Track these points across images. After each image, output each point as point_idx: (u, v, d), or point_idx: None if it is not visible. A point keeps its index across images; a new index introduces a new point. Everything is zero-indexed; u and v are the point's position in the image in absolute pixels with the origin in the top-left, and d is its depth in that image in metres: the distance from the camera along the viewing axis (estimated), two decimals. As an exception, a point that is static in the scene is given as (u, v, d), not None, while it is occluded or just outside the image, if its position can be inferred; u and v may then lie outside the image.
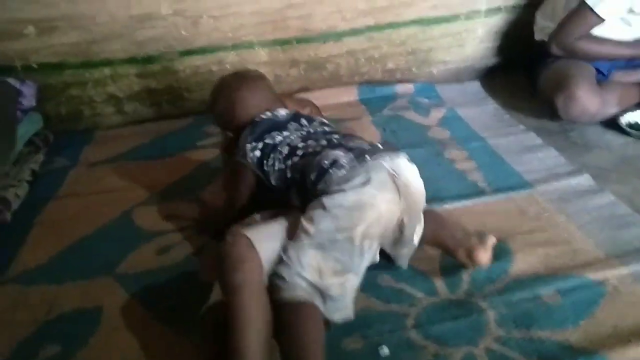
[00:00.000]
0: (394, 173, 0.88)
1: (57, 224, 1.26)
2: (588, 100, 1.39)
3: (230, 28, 1.67)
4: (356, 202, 0.85)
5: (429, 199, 1.19)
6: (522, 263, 1.00)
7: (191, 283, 1.03)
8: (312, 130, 1.06)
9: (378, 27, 1.78)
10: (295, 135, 1.03)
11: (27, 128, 1.53)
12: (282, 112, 1.12)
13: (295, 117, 1.11)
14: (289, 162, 0.98)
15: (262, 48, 1.73)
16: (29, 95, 1.55)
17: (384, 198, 0.87)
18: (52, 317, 0.97)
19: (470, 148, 1.43)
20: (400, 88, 1.82)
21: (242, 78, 1.16)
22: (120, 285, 1.04)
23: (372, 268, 0.95)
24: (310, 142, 1.00)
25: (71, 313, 0.98)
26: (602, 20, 1.43)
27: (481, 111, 1.65)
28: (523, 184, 1.25)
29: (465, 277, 0.98)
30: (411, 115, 1.65)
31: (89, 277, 1.07)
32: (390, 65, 1.87)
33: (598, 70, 1.55)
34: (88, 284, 1.05)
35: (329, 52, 1.79)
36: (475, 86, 1.83)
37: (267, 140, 1.03)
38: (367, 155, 0.90)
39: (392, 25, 1.79)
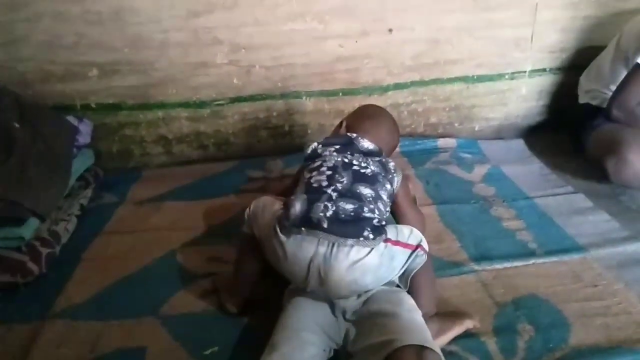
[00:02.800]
0: (312, 259, 0.88)
1: (103, 260, 1.27)
2: (640, 165, 1.37)
3: (280, 78, 1.73)
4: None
5: (478, 257, 1.19)
6: (581, 333, 0.96)
7: (235, 328, 1.02)
8: (352, 163, 1.03)
9: (423, 83, 1.81)
10: (336, 159, 1.04)
11: (80, 164, 1.58)
12: (365, 144, 1.11)
13: (367, 153, 1.09)
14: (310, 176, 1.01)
15: (309, 98, 1.78)
16: (85, 132, 1.61)
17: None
18: (96, 355, 0.97)
19: (518, 207, 1.41)
20: (443, 142, 1.83)
21: (387, 118, 1.28)
22: (164, 327, 1.03)
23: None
24: (336, 174, 0.99)
25: (115, 353, 0.98)
26: None
27: (526, 170, 1.63)
28: (576, 248, 1.21)
29: (521, 342, 0.94)
30: (454, 169, 1.65)
31: (133, 317, 1.07)
32: (433, 119, 1.89)
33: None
34: (132, 323, 1.05)
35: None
36: (519, 144, 1.82)
37: (318, 150, 1.08)
38: (322, 223, 0.88)
39: (436, 81, 1.82)
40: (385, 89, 1.81)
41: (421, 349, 0.78)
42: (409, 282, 0.95)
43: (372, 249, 0.87)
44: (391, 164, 1.07)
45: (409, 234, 0.95)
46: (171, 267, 1.23)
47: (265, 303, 1.05)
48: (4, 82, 1.53)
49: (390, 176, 1.04)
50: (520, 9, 1.73)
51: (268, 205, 1.00)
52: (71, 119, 1.59)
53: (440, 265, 1.17)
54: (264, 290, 1.07)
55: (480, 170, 1.64)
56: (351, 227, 0.88)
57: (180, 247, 1.30)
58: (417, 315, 0.89)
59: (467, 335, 0.96)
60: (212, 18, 1.60)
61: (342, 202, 0.91)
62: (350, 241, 0.86)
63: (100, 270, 1.23)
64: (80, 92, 1.66)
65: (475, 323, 0.97)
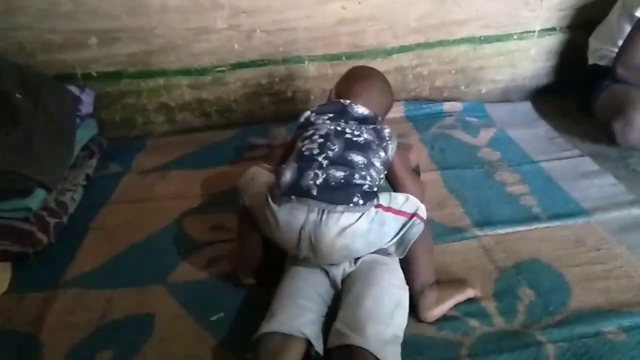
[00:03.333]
0: (303, 226, 0.88)
1: (110, 229, 1.29)
2: (648, 127, 1.34)
3: (281, 42, 1.69)
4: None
5: (481, 222, 1.19)
6: (582, 296, 0.96)
7: (240, 294, 1.04)
8: (345, 131, 1.02)
9: (428, 45, 1.77)
10: (329, 128, 1.02)
11: (84, 134, 1.58)
12: (359, 110, 1.09)
13: (361, 119, 1.07)
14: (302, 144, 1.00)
15: (312, 62, 1.75)
16: (87, 102, 1.60)
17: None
18: (106, 322, 1.00)
19: (523, 171, 1.40)
20: (448, 106, 1.80)
21: (378, 77, 1.24)
22: (172, 294, 1.06)
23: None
24: (328, 142, 0.98)
25: (124, 319, 1.00)
26: None
27: (533, 133, 1.61)
28: (580, 212, 1.21)
29: (521, 306, 0.95)
30: (459, 134, 1.63)
31: (141, 284, 1.09)
32: (439, 83, 1.86)
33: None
34: (140, 291, 1.07)
35: (378, 68, 1.77)
36: (526, 107, 1.79)
37: (312, 118, 1.07)
38: (312, 191, 0.88)
39: (442, 43, 1.78)
40: (389, 52, 1.77)
41: (366, 354, 0.78)
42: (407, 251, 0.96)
43: (362, 214, 0.87)
44: (386, 131, 1.05)
45: (404, 201, 0.94)
46: (176, 235, 1.25)
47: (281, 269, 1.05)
48: (3, 52, 1.52)
49: (385, 144, 1.03)
50: (529, -35, 1.67)
51: (258, 175, 1.01)
52: (73, 88, 1.58)
53: (442, 231, 1.18)
54: (276, 257, 1.06)
55: (486, 134, 1.62)
56: (341, 193, 0.88)
57: (185, 216, 1.32)
58: (388, 298, 0.88)
59: (467, 300, 0.97)
60: (211, -19, 1.56)
61: (332, 170, 0.91)
62: (340, 207, 0.87)
63: (108, 239, 1.25)
64: (81, 61, 1.64)
65: (476, 292, 0.98)
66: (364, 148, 0.98)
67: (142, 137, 1.77)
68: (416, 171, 1.31)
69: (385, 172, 1.03)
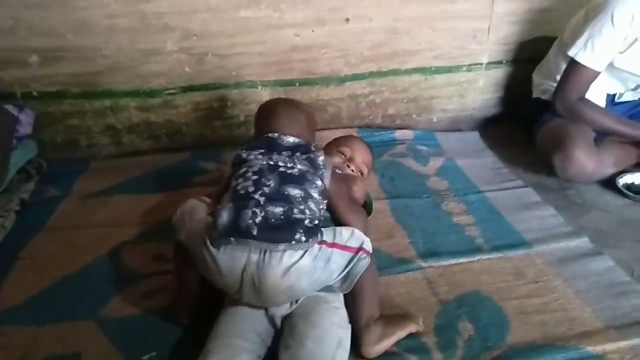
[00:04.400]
0: (245, 268, 0.86)
1: (42, 259, 1.22)
2: (585, 160, 1.39)
3: (234, 67, 1.68)
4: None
5: (426, 253, 1.20)
6: (520, 330, 0.97)
7: (174, 333, 0.99)
8: (278, 165, 1.00)
9: (380, 74, 1.80)
10: (261, 163, 1.00)
11: (21, 156, 1.51)
12: (289, 139, 1.08)
13: (293, 148, 1.06)
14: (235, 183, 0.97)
15: (265, 88, 1.74)
16: (26, 122, 1.53)
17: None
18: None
19: (469, 201, 1.42)
20: (400, 134, 1.82)
21: (289, 102, 1.25)
22: (102, 331, 1.00)
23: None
24: (262, 178, 0.95)
25: (47, 359, 0.94)
26: (597, 72, 1.44)
27: (479, 163, 1.65)
28: (521, 243, 1.23)
29: (460, 342, 0.95)
30: (410, 162, 1.65)
31: (70, 320, 1.02)
32: (391, 110, 1.88)
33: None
34: (68, 327, 1.01)
35: (331, 95, 1.80)
36: (475, 136, 1.83)
37: (243, 155, 1.04)
38: (252, 231, 0.86)
39: (394, 72, 1.81)
40: (342, 80, 1.78)
41: None
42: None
43: (305, 251, 0.85)
44: (320, 159, 1.04)
45: (349, 236, 0.93)
46: (114, 266, 1.19)
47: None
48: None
49: (320, 172, 1.01)
50: (477, 0, 1.73)
51: (195, 209, 0.97)
52: (11, 108, 1.51)
53: (388, 262, 1.17)
54: (215, 294, 1.03)
55: (435, 163, 1.64)
56: (282, 231, 0.86)
57: (125, 245, 1.26)
58: (330, 338, 0.86)
59: (408, 334, 0.96)
60: (162, 3, 1.54)
61: (270, 206, 0.88)
62: (282, 246, 0.84)
63: (39, 270, 1.18)
64: (21, 79, 1.57)
65: (418, 326, 0.97)
66: (299, 180, 0.96)
67: (86, 159, 1.70)
68: (366, 201, 1.31)
69: (325, 202, 1.01)
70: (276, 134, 1.11)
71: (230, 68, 1.68)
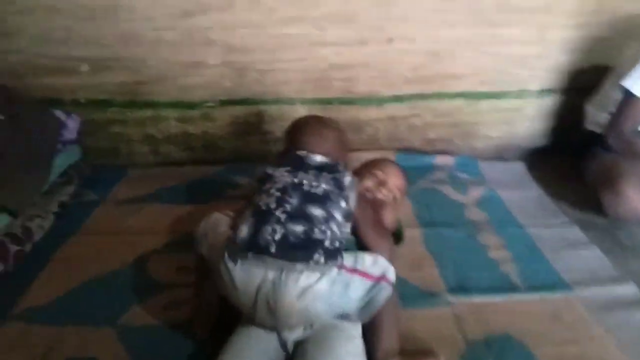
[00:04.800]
0: (260, 285, 0.83)
1: (72, 261, 1.25)
2: (637, 199, 1.29)
3: (273, 82, 1.68)
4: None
5: (456, 288, 1.13)
6: (552, 381, 0.89)
7: (190, 347, 0.98)
8: (302, 183, 0.97)
9: (422, 96, 1.75)
10: (286, 181, 0.97)
11: (64, 160, 1.57)
12: (317, 158, 1.07)
13: (320, 167, 1.04)
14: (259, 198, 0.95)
15: (303, 105, 1.73)
16: (72, 128, 1.59)
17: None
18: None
19: (507, 235, 1.34)
20: (440, 159, 1.76)
21: (321, 120, 1.23)
22: (120, 339, 1.00)
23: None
24: (285, 195, 0.93)
25: (65, 362, 0.95)
26: None
27: (524, 196, 1.56)
28: (561, 285, 1.15)
29: (486, 387, 0.88)
30: (448, 190, 1.58)
31: (91, 324, 1.04)
32: (432, 135, 1.83)
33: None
34: (88, 332, 1.02)
35: (370, 115, 1.77)
36: (520, 167, 1.75)
37: (269, 171, 1.02)
38: (270, 248, 0.84)
39: (437, 96, 1.76)
40: (382, 101, 1.75)
41: None
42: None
43: (324, 274, 0.82)
44: (347, 180, 1.01)
45: (372, 262, 0.89)
46: (139, 274, 1.20)
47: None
48: (-6, 73, 1.52)
49: (345, 193, 0.98)
50: (527, 26, 1.66)
51: (218, 223, 0.96)
52: (59, 113, 1.57)
53: (415, 294, 1.12)
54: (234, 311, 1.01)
55: (475, 193, 1.57)
56: (301, 250, 0.83)
57: (152, 253, 1.27)
58: None
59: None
60: (205, 18, 1.56)
61: (291, 224, 0.86)
62: (299, 266, 0.81)
63: (68, 273, 1.20)
64: (70, 87, 1.64)
65: None
66: (322, 200, 0.94)
67: (125, 166, 1.74)
68: (397, 228, 1.26)
69: (349, 224, 0.98)
70: (304, 152, 1.09)
71: (270, 84, 1.68)
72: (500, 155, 1.87)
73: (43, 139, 1.47)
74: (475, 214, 1.45)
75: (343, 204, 0.96)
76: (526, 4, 1.62)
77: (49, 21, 1.53)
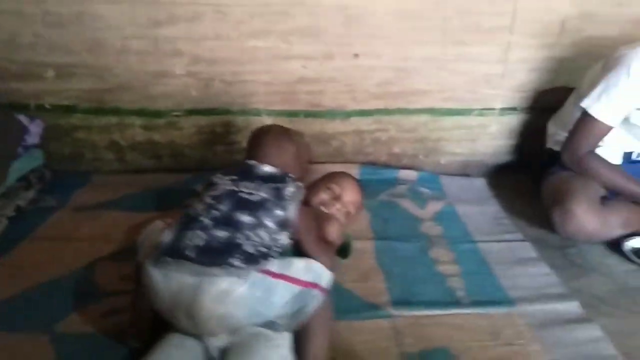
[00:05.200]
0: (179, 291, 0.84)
1: (18, 267, 1.24)
2: (585, 218, 1.30)
3: (240, 94, 1.70)
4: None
5: (399, 301, 1.13)
6: (481, 397, 0.89)
7: (123, 355, 0.97)
8: (240, 191, 0.99)
9: (387, 111, 1.77)
10: (225, 188, 0.99)
11: (25, 164, 1.56)
12: (265, 168, 1.09)
13: (266, 178, 1.06)
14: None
15: (269, 116, 1.74)
16: (34, 132, 1.59)
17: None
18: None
19: (459, 250, 1.35)
20: (403, 174, 1.77)
21: (277, 131, 1.28)
22: (53, 346, 0.99)
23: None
24: (218, 203, 0.96)
25: (-7, 369, 0.94)
26: (610, 127, 1.36)
27: (481, 211, 1.57)
28: (504, 301, 1.15)
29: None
30: (407, 204, 1.59)
31: (25, 331, 1.02)
32: (397, 149, 1.84)
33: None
34: (21, 339, 1.01)
35: (336, 128, 1.79)
36: (481, 183, 1.76)
37: (215, 179, 1.05)
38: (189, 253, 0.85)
39: (402, 111, 1.77)
40: (348, 114, 1.77)
41: None
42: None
43: (243, 278, 0.82)
44: (288, 190, 1.02)
45: (304, 268, 0.89)
46: (83, 281, 1.19)
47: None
48: (-41, 77, 1.53)
49: (283, 203, 0.99)
50: (492, 45, 1.68)
51: (156, 231, 0.96)
52: (22, 118, 1.57)
53: (358, 305, 1.12)
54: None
55: (433, 207, 1.58)
56: (219, 255, 0.84)
57: (100, 261, 1.26)
58: None
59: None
60: (173, 28, 1.58)
61: (215, 231, 0.87)
62: (215, 270, 0.82)
63: (10, 278, 1.19)
64: (36, 92, 1.64)
65: None
66: (255, 207, 0.95)
67: (89, 172, 1.74)
68: (344, 243, 1.26)
69: (285, 233, 0.98)
70: (254, 162, 1.10)
71: (236, 95, 1.70)
72: (464, 171, 1.88)
73: (3, 143, 1.48)
74: (431, 229, 1.46)
75: (279, 212, 0.97)
76: (491, 24, 1.65)
77: (16, 26, 1.55)
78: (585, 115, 1.39)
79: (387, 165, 1.84)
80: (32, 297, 1.13)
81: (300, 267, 0.90)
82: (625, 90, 1.32)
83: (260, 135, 1.26)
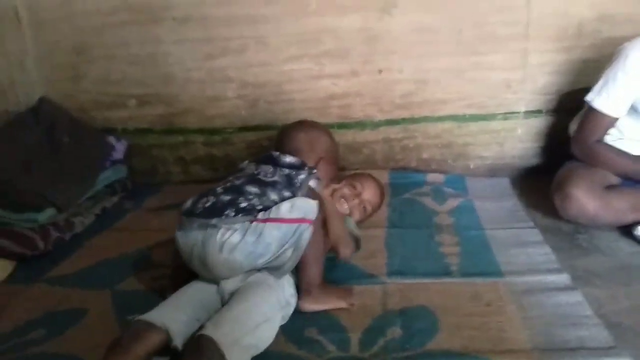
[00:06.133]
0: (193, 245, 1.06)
1: (98, 247, 1.57)
2: (585, 201, 1.34)
3: (281, 111, 1.96)
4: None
5: (395, 272, 1.27)
6: (443, 340, 1.00)
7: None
8: (258, 173, 1.21)
9: (413, 120, 1.93)
10: (247, 172, 1.22)
11: (111, 175, 1.95)
12: (286, 159, 1.28)
13: (286, 166, 1.23)
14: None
15: (307, 130, 1.98)
16: (119, 150, 1.98)
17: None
18: (55, 311, 1.23)
19: (465, 236, 1.44)
20: (431, 177, 1.90)
21: (298, 123, 1.51)
22: (112, 298, 1.27)
23: (306, 321, 1.09)
24: (235, 180, 1.18)
25: (68, 310, 1.23)
26: (615, 118, 1.40)
27: (498, 205, 1.64)
28: (494, 273, 1.23)
29: (382, 341, 1.01)
30: (427, 201, 1.71)
31: (94, 288, 1.32)
32: (425, 155, 1.98)
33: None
34: (91, 293, 1.30)
35: (366, 138, 1.98)
36: (504, 182, 1.83)
37: (242, 166, 1.29)
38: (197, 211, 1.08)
39: (427, 119, 1.92)
40: (376, 125, 1.95)
41: (213, 343, 0.88)
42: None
43: (234, 228, 1.03)
44: (299, 177, 1.21)
45: (289, 208, 1.05)
46: (142, 257, 1.48)
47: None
48: (68, 108, 1.97)
49: (293, 188, 1.17)
50: (509, 52, 1.80)
51: None
52: (111, 138, 1.97)
53: (357, 274, 1.27)
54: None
55: (452, 203, 1.68)
56: (219, 210, 1.05)
57: (158, 244, 1.55)
58: (257, 312, 0.99)
59: (338, 330, 1.06)
60: (224, 60, 1.91)
61: (223, 196, 1.09)
62: (213, 220, 1.03)
63: (92, 254, 1.52)
64: (122, 118, 2.05)
65: (349, 305, 1.10)
66: (265, 185, 1.15)
67: (161, 183, 2.09)
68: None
69: None
70: (277, 152, 1.31)
71: (278, 112, 1.97)
72: (494, 174, 1.95)
73: (94, 157, 1.87)
74: (444, 220, 1.56)
75: (287, 193, 1.15)
76: (505, 32, 1.78)
77: (108, 67, 1.98)
78: (590, 108, 1.45)
79: (416, 170, 1.97)
80: (102, 268, 1.44)
81: (285, 208, 1.06)
82: (624, 81, 1.37)
83: (283, 130, 1.48)
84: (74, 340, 1.11)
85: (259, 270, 1.10)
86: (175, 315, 1.00)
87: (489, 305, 1.11)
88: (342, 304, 1.10)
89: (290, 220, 1.05)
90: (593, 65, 1.76)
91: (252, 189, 1.13)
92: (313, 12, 1.82)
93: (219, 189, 1.13)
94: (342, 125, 1.97)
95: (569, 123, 1.73)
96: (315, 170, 1.30)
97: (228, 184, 1.15)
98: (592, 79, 1.73)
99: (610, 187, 1.41)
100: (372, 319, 1.09)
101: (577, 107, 1.75)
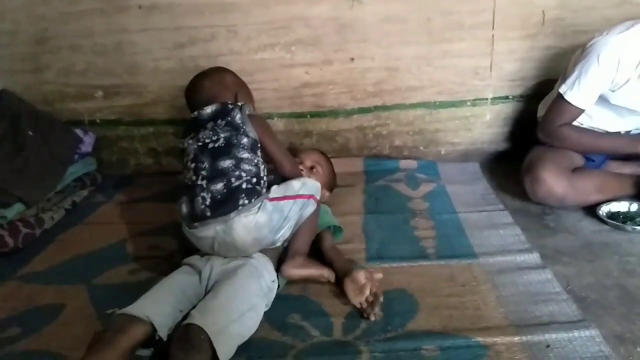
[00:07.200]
0: (215, 237, 1.10)
1: (70, 242, 1.53)
2: (553, 182, 1.40)
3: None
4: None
5: (373, 257, 1.30)
6: (423, 320, 1.03)
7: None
8: (206, 143, 1.19)
9: (385, 107, 1.95)
10: (193, 148, 1.20)
11: (79, 168, 1.90)
12: (207, 111, 1.25)
13: (213, 117, 1.22)
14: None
15: (280, 119, 1.98)
16: (87, 143, 1.93)
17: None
18: (26, 309, 1.20)
19: (439, 220, 1.48)
20: (404, 163, 1.94)
21: (198, 75, 1.44)
22: (88, 293, 1.25)
23: (288, 308, 1.10)
24: (198, 163, 1.16)
25: (43, 307, 1.20)
26: (582, 110, 1.46)
27: (470, 189, 1.69)
28: (468, 255, 1.28)
29: (363, 324, 1.04)
30: (401, 187, 1.75)
31: (69, 284, 1.29)
32: (398, 142, 2.01)
33: (589, 159, 1.56)
34: (67, 288, 1.27)
35: (339, 126, 1.99)
36: (474, 167, 1.88)
37: (182, 146, 1.25)
38: (206, 213, 1.10)
39: (399, 107, 1.95)
40: (349, 113, 1.97)
41: (202, 332, 0.89)
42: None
43: (258, 210, 1.08)
44: (237, 118, 1.20)
45: (300, 185, 1.17)
46: (118, 250, 1.46)
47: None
48: (31, 100, 1.90)
49: (242, 129, 1.19)
50: (476, 40, 1.84)
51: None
52: (78, 131, 1.92)
53: (335, 260, 1.29)
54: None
55: (424, 188, 1.73)
56: (227, 204, 1.08)
57: (131, 237, 1.53)
58: (243, 299, 1.01)
59: (321, 315, 1.08)
60: (194, 49, 1.88)
61: (211, 186, 1.10)
62: (233, 214, 1.07)
63: (64, 250, 1.48)
64: (89, 110, 2.00)
65: (330, 277, 1.15)
66: (226, 150, 1.16)
67: (132, 175, 2.05)
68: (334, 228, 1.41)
69: (258, 152, 1.21)
70: (196, 112, 1.28)
71: (250, 102, 1.96)
72: (465, 160, 2.00)
73: (61, 151, 1.82)
74: (418, 204, 1.60)
75: (244, 139, 1.18)
76: (472, 20, 1.82)
77: (72, 57, 1.91)
78: (561, 98, 1.50)
79: (390, 157, 2.00)
80: (76, 263, 1.41)
81: (297, 186, 1.17)
82: (595, 77, 1.41)
83: (186, 90, 1.44)
84: (52, 336, 1.09)
85: None
86: (158, 307, 0.99)
87: (464, 285, 1.15)
88: (323, 272, 1.15)
89: (302, 197, 1.16)
90: (556, 52, 1.84)
91: (226, 162, 1.14)
92: (283, 0, 1.81)
93: (200, 181, 1.13)
94: (315, 114, 1.97)
95: (538, 106, 1.80)
96: (240, 103, 1.30)
97: (202, 172, 1.14)
98: (556, 65, 1.82)
99: (576, 170, 1.47)
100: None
101: (542, 93, 1.82)
